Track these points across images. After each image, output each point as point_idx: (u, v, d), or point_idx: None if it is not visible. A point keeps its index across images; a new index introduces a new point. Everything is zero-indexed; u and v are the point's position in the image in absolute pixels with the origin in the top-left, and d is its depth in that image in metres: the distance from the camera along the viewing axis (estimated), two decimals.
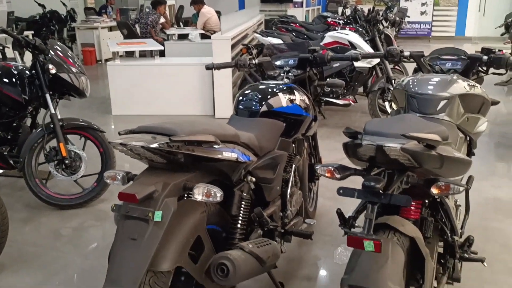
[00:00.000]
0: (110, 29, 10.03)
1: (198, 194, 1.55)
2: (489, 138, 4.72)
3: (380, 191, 1.36)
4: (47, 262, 2.69)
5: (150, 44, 6.36)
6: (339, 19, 7.55)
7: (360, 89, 5.46)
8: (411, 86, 2.08)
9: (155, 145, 1.46)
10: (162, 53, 6.80)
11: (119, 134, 1.58)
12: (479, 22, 12.28)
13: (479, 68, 2.31)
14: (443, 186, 1.43)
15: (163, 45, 6.78)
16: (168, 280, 1.56)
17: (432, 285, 1.72)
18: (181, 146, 1.51)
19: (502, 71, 2.26)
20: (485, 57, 2.24)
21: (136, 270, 1.42)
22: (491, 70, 2.31)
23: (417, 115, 1.97)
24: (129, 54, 7.36)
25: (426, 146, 1.37)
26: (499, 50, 2.24)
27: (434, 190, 1.44)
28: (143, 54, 7.21)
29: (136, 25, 7.98)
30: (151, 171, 1.61)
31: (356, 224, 1.74)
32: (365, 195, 1.38)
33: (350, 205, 2.45)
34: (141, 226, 1.46)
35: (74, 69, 3.21)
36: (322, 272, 2.56)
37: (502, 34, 7.51)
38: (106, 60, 8.64)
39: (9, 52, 3.86)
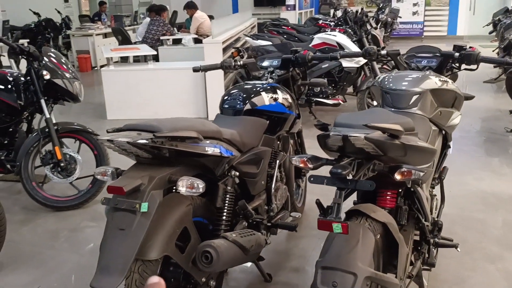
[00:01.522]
0: (105, 35, 10.15)
1: (182, 186, 1.65)
2: (477, 133, 4.84)
3: (347, 178, 1.46)
4: (44, 260, 2.79)
5: (144, 50, 6.48)
6: (330, 21, 7.69)
7: (350, 89, 5.58)
8: (385, 82, 2.19)
9: (140, 140, 1.57)
10: (156, 58, 6.91)
11: (107, 132, 1.69)
12: (470, 21, 12.43)
13: (452, 65, 2.43)
14: (405, 172, 1.54)
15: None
16: (156, 269, 1.66)
17: (406, 270, 1.83)
18: (165, 142, 1.62)
19: (473, 66, 2.37)
20: (456, 54, 2.35)
21: (125, 258, 1.52)
22: (464, 66, 2.42)
23: (392, 109, 2.08)
24: (124, 60, 7.47)
25: (390, 135, 1.48)
26: (470, 47, 2.36)
27: (397, 176, 1.55)
28: (137, 60, 7.32)
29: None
30: (138, 166, 1.72)
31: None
32: (333, 182, 1.48)
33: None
34: (129, 217, 1.57)
35: (67, 75, 3.31)
36: (309, 264, 2.66)
37: (490, 32, 7.65)
38: (102, 67, 8.74)
39: (5, 60, 3.97)
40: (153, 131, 1.62)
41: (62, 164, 3.26)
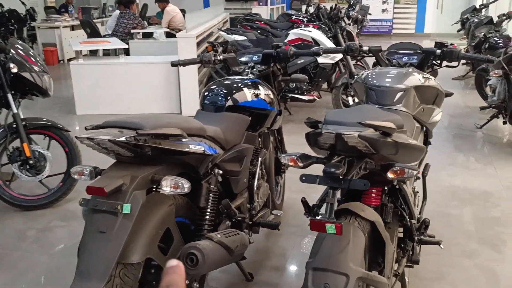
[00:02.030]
0: (72, 28, 9.83)
1: (166, 186, 1.58)
2: (447, 130, 4.93)
3: (340, 177, 1.43)
4: (12, 263, 2.65)
5: (115, 43, 6.29)
6: (303, 17, 7.67)
7: (324, 85, 5.58)
8: (369, 79, 2.17)
9: (123, 138, 1.49)
10: (126, 52, 6.73)
11: (86, 129, 1.60)
12: (437, 19, 12.70)
13: (433, 62, 2.43)
14: (398, 171, 1.52)
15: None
16: (138, 272, 1.59)
17: (392, 268, 1.82)
18: (148, 140, 1.54)
19: (454, 63, 2.38)
20: (438, 51, 2.36)
21: (106, 263, 1.44)
22: (445, 63, 2.44)
23: (376, 106, 2.07)
24: (93, 53, 7.25)
25: (382, 133, 1.45)
26: (451, 44, 2.37)
27: (390, 175, 1.53)
28: (107, 53, 7.11)
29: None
30: (119, 165, 1.64)
31: (320, 212, 1.82)
32: (326, 181, 1.45)
33: (316, 197, 2.54)
34: (110, 219, 1.49)
35: (36, 68, 3.16)
36: (290, 262, 2.63)
37: (458, 31, 7.81)
38: (69, 60, 8.46)
39: None
40: (135, 128, 1.54)
41: (30, 162, 3.12)
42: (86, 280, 1.43)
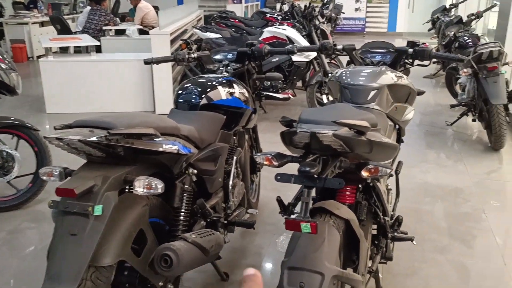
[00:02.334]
0: (42, 24, 9.57)
1: (139, 186, 1.55)
2: (419, 127, 5.02)
3: (315, 176, 1.43)
4: None
5: (86, 40, 6.16)
6: (277, 15, 7.68)
7: (299, 83, 5.60)
8: (344, 77, 2.18)
9: (93, 138, 1.45)
10: (98, 49, 6.60)
11: (55, 128, 1.55)
12: (409, 18, 12.91)
13: (406, 60, 2.47)
14: (373, 169, 1.53)
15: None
16: (110, 275, 1.55)
17: (366, 265, 1.84)
18: (120, 139, 1.51)
19: (426, 62, 2.42)
20: (410, 50, 2.39)
21: (77, 266, 1.41)
22: (417, 62, 2.47)
23: (350, 104, 2.08)
24: (64, 50, 7.08)
25: (356, 132, 1.46)
26: (423, 43, 2.40)
27: (364, 173, 1.54)
28: (78, 50, 6.95)
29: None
30: (90, 166, 1.59)
31: (295, 211, 1.82)
32: (301, 180, 1.45)
33: (291, 195, 2.55)
34: (81, 221, 1.45)
35: (3, 66, 3.06)
36: (266, 260, 2.63)
37: (429, 30, 7.94)
38: (39, 57, 8.25)
39: None
40: (107, 127, 1.51)
41: None
42: (56, 283, 1.39)
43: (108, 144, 1.49)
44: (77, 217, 1.45)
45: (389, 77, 2.17)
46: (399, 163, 2.40)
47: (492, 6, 6.63)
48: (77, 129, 1.53)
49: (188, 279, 2.44)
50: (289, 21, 6.79)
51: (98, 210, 1.44)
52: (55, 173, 1.60)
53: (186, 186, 1.93)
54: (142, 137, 1.59)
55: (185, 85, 2.34)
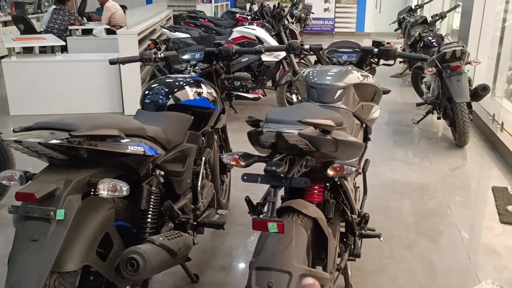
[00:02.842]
0: (5, 24, 9.28)
1: (103, 189, 1.52)
2: (387, 125, 5.11)
3: (281, 175, 1.43)
4: None
5: (50, 40, 6.01)
6: (247, 15, 7.68)
7: (269, 83, 5.61)
8: (310, 77, 2.20)
9: (54, 141, 1.41)
10: (64, 49, 6.45)
11: (14, 131, 1.50)
12: (376, 18, 13.13)
13: (371, 60, 2.50)
14: (338, 168, 1.54)
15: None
16: (75, 280, 1.52)
17: (335, 263, 1.85)
18: (83, 141, 1.47)
19: (390, 62, 2.46)
20: (375, 50, 2.43)
21: (39, 272, 1.37)
22: (382, 61, 2.51)
23: (317, 104, 2.10)
24: (28, 51, 6.88)
25: (322, 131, 1.47)
26: (388, 43, 2.44)
27: (330, 172, 1.55)
28: (44, 51, 6.77)
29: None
30: (52, 169, 1.55)
31: (264, 210, 1.81)
32: (267, 180, 1.45)
33: (261, 195, 2.55)
34: (42, 226, 1.41)
35: None
36: (236, 261, 2.62)
37: (395, 30, 8.10)
38: (1, 58, 7.99)
39: None
40: (68, 129, 1.47)
41: None
42: None
43: (70, 147, 1.46)
44: (38, 222, 1.41)
45: (355, 76, 2.20)
46: (366, 161, 2.44)
47: (455, 7, 6.82)
48: (37, 131, 1.48)
49: (157, 281, 2.41)
50: (258, 21, 6.80)
51: (60, 214, 1.41)
52: (15, 177, 1.55)
53: (153, 188, 1.90)
54: (106, 139, 1.56)
55: (152, 86, 2.31)
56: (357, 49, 2.54)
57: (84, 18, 8.27)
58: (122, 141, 1.62)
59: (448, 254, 2.69)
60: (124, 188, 1.53)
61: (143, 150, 1.71)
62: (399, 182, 3.65)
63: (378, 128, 4.98)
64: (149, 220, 1.87)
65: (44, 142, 1.39)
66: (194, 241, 2.10)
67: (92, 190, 1.64)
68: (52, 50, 6.20)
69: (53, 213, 1.40)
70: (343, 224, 2.07)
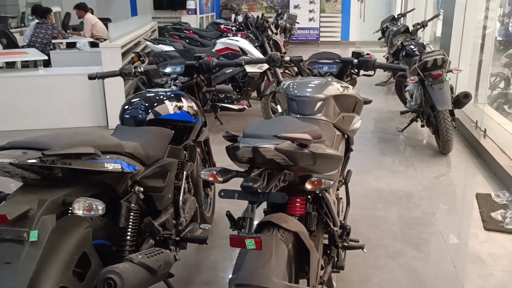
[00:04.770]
0: None
1: (78, 209, 1.49)
2: (372, 134, 5.13)
3: (259, 191, 1.42)
4: None
5: (33, 54, 5.96)
6: (232, 26, 7.71)
7: (254, 94, 5.62)
8: (291, 89, 2.20)
9: (27, 161, 1.38)
10: (46, 64, 6.39)
11: None
12: (360, 27, 13.27)
13: (352, 70, 2.52)
14: (316, 181, 1.53)
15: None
16: None
17: (318, 275, 1.83)
18: (56, 160, 1.45)
19: (370, 72, 2.48)
20: (355, 60, 2.44)
21: None
22: (362, 72, 2.52)
23: (298, 116, 2.09)
24: (10, 65, 6.81)
25: (299, 145, 1.46)
26: (367, 54, 2.46)
27: (308, 186, 1.54)
28: (26, 65, 6.71)
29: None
30: (25, 189, 1.52)
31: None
32: (244, 196, 1.43)
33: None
34: (15, 248, 1.38)
35: None
36: (221, 275, 2.59)
37: (379, 39, 8.18)
38: None
39: None
40: (41, 148, 1.44)
41: None
42: None
43: (43, 166, 1.43)
44: (11, 244, 1.38)
45: (335, 87, 2.20)
46: (349, 172, 2.43)
47: (436, 16, 6.91)
48: (9, 151, 1.45)
49: None
50: (243, 32, 6.83)
51: (33, 235, 1.38)
52: None
53: (132, 205, 1.87)
54: (81, 157, 1.53)
55: (131, 100, 2.29)
56: (337, 60, 2.55)
57: (67, 31, 8.23)
58: (98, 158, 1.59)
59: (433, 263, 2.69)
60: (99, 207, 1.50)
61: (120, 167, 1.69)
62: (384, 191, 3.66)
63: (363, 136, 5.00)
64: (128, 237, 1.84)
65: (15, 163, 1.36)
66: (176, 257, 2.07)
67: (69, 208, 1.62)
68: (35, 64, 6.14)
69: (26, 235, 1.37)
70: (327, 236, 2.06)
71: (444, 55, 4.32)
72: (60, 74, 5.57)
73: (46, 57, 6.06)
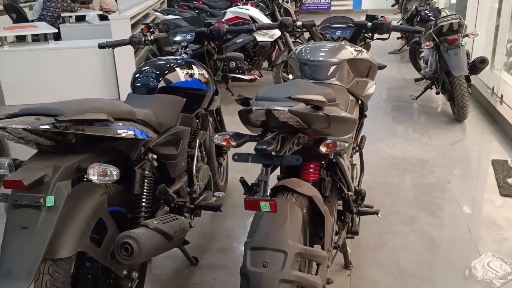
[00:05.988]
0: None
1: (93, 174, 1.50)
2: (386, 102, 5.06)
3: (272, 154, 1.40)
4: None
5: (42, 27, 5.93)
6: None
7: (265, 63, 5.55)
8: (303, 54, 2.15)
9: (39, 126, 1.38)
10: (57, 37, 6.38)
11: None
12: None
13: (365, 34, 2.45)
14: (331, 144, 1.51)
15: None
16: (69, 267, 1.51)
17: (332, 240, 1.84)
18: (69, 126, 1.44)
19: (385, 36, 2.41)
20: (369, 24, 2.37)
21: (31, 260, 1.35)
22: (376, 35, 2.46)
23: (311, 81, 2.06)
24: (21, 40, 6.81)
25: (313, 107, 1.44)
26: (382, 16, 2.39)
27: (322, 148, 1.52)
28: (37, 39, 6.70)
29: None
30: (40, 156, 1.53)
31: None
32: (258, 159, 1.42)
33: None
34: (32, 213, 1.39)
35: None
36: (235, 243, 2.62)
37: (392, 5, 7.99)
38: None
39: None
40: (54, 114, 1.44)
41: None
42: (9, 280, 1.34)
43: (56, 132, 1.43)
44: (28, 209, 1.39)
45: (349, 51, 2.15)
46: (363, 138, 2.41)
47: None
48: (22, 117, 1.45)
49: (157, 266, 2.41)
50: (252, 1, 6.69)
51: (50, 201, 1.39)
52: (4, 165, 1.53)
53: (146, 172, 1.88)
54: (94, 123, 1.53)
55: (142, 69, 2.27)
56: (350, 24, 2.49)
57: (77, 4, 8.16)
58: (111, 125, 1.59)
59: (448, 228, 2.68)
60: (114, 173, 1.50)
61: (133, 133, 1.68)
62: (398, 158, 3.62)
63: (377, 105, 4.93)
64: (143, 204, 1.86)
65: (28, 128, 1.36)
66: (191, 224, 2.08)
67: (84, 176, 1.62)
68: (45, 38, 6.13)
69: (43, 200, 1.38)
70: (341, 202, 2.05)
71: (460, 19, 4.20)
72: (71, 47, 5.55)
73: (56, 30, 6.04)
